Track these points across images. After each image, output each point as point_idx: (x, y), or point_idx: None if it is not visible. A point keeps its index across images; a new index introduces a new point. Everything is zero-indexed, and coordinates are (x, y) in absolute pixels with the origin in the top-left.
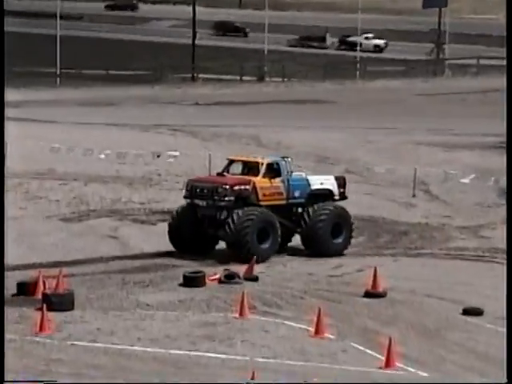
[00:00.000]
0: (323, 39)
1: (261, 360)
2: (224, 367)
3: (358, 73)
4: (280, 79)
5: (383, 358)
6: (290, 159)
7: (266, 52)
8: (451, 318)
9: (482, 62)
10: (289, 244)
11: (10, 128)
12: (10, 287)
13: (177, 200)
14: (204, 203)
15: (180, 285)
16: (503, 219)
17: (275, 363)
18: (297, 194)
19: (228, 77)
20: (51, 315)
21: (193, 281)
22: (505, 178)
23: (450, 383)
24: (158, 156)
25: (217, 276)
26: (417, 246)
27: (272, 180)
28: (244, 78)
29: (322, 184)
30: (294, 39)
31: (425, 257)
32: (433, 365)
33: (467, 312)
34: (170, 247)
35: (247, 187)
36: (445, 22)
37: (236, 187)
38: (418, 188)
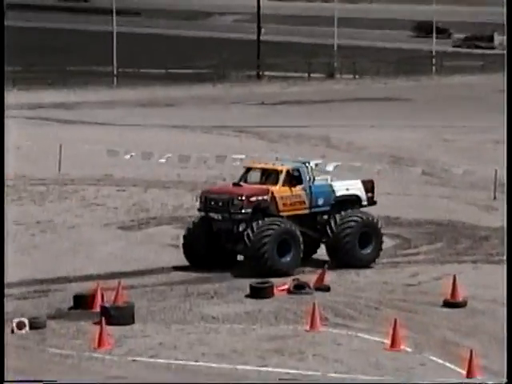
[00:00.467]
0: (491, 38)
1: (333, 375)
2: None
3: (433, 68)
4: (351, 76)
5: (464, 372)
6: (312, 164)
7: (335, 47)
8: None
9: None
10: (313, 255)
11: (64, 131)
12: (67, 300)
13: None
14: (219, 216)
15: (247, 296)
16: None
17: (349, 378)
18: (320, 201)
19: (295, 74)
20: (110, 329)
21: (260, 291)
22: None
23: (449, 383)
24: None
25: (286, 286)
26: (498, 252)
27: (293, 188)
28: (312, 75)
29: (347, 190)
30: (459, 39)
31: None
32: None
33: None
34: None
35: (265, 197)
36: None
37: (253, 198)
38: (499, 190)
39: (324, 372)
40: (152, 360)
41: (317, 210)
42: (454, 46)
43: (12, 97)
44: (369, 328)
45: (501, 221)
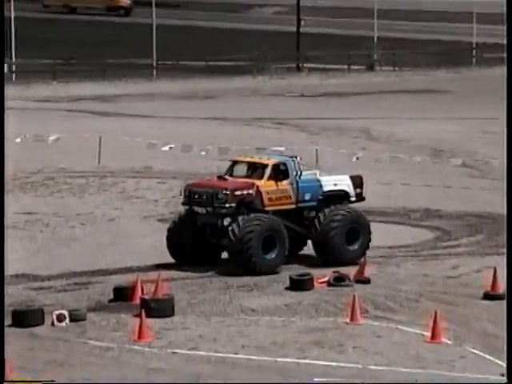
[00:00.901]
0: None
1: (373, 368)
2: (335, 376)
3: (474, 60)
4: (391, 68)
5: (504, 365)
6: (299, 158)
7: (375, 39)
8: None
9: None
10: (300, 251)
11: (104, 124)
12: (107, 292)
13: None
14: (203, 210)
15: (286, 288)
16: None
17: (389, 371)
18: (307, 196)
19: (335, 66)
20: (150, 322)
21: (300, 284)
22: None
23: (448, 383)
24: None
25: (326, 278)
26: None
27: (279, 182)
28: (352, 67)
29: (335, 185)
30: None
31: None
32: None
33: None
34: None
35: (250, 191)
36: None
37: (237, 192)
38: None
39: (364, 364)
40: (192, 352)
41: (303, 205)
42: None
43: (52, 90)
44: (409, 320)
45: None
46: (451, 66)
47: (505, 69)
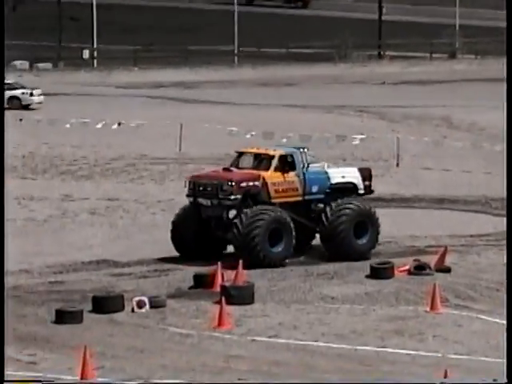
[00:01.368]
0: None
1: (453, 357)
2: (414, 364)
3: None
4: (473, 56)
5: None
6: (306, 150)
7: (457, 27)
8: None
9: None
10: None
11: (185, 110)
12: (187, 279)
13: None
14: (208, 202)
15: (367, 276)
16: None
17: (469, 360)
18: (314, 189)
19: (417, 54)
20: (230, 309)
21: (381, 272)
22: None
23: (447, 383)
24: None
25: (406, 267)
26: None
27: (285, 174)
28: (434, 55)
29: (343, 177)
30: None
31: None
32: None
33: None
34: None
35: (256, 183)
36: None
37: (243, 183)
38: None
39: (444, 353)
40: (271, 340)
41: (311, 197)
42: None
43: (133, 76)
44: (490, 309)
45: None
46: None
47: None
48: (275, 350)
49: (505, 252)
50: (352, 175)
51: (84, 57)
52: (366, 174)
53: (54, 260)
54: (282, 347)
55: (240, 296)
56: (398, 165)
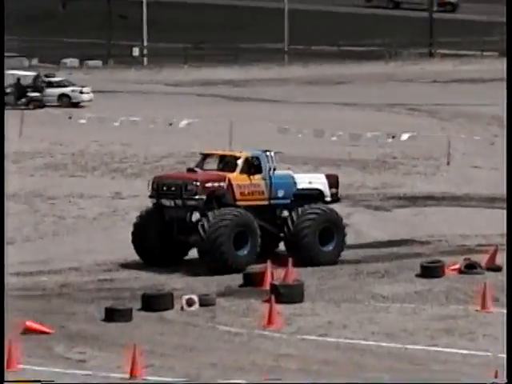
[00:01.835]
0: None
1: (504, 356)
2: (465, 364)
3: None
4: None
5: None
6: (273, 153)
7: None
8: None
9: None
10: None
11: (235, 108)
12: (237, 278)
13: (414, 185)
14: (171, 203)
15: (417, 275)
16: None
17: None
18: (280, 193)
19: (468, 52)
20: (280, 307)
21: (431, 271)
22: None
23: (445, 383)
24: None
25: (457, 266)
26: None
27: (251, 177)
28: (485, 53)
29: (310, 183)
30: None
31: None
32: None
33: None
34: (401, 235)
35: (222, 184)
36: None
37: (208, 184)
38: None
39: (494, 352)
40: (321, 338)
41: (276, 202)
42: None
43: (183, 74)
44: None
45: None
46: None
47: None
48: (325, 348)
49: None
50: (319, 181)
51: (134, 54)
52: (333, 181)
53: (103, 258)
54: (331, 346)
55: (290, 294)
56: (448, 163)
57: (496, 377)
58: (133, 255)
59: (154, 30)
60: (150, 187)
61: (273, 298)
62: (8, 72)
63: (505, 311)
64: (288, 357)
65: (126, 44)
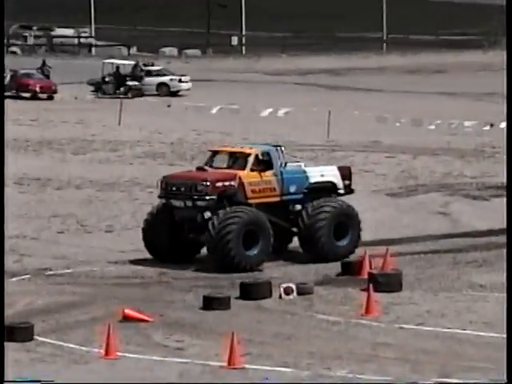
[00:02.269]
0: None
1: None
2: None
3: None
4: None
5: None
6: (283, 148)
7: None
8: None
9: None
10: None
11: (333, 97)
12: (335, 266)
13: None
14: (182, 204)
15: None
16: None
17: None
18: (292, 188)
19: None
20: (378, 296)
21: None
22: None
23: (446, 383)
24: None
25: None
26: None
27: (262, 173)
28: None
29: (322, 176)
30: None
31: None
32: None
33: None
34: (499, 225)
35: (232, 183)
36: None
37: (218, 183)
38: None
39: None
40: (419, 327)
41: (289, 197)
42: None
43: (281, 63)
44: None
45: None
46: None
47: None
48: (423, 337)
49: None
50: (331, 174)
51: (232, 43)
52: (346, 173)
53: None
54: (429, 335)
55: (388, 283)
56: None
57: None
58: None
59: (253, 19)
60: (159, 187)
61: (371, 286)
62: (107, 61)
63: None
64: (386, 346)
65: (224, 33)
